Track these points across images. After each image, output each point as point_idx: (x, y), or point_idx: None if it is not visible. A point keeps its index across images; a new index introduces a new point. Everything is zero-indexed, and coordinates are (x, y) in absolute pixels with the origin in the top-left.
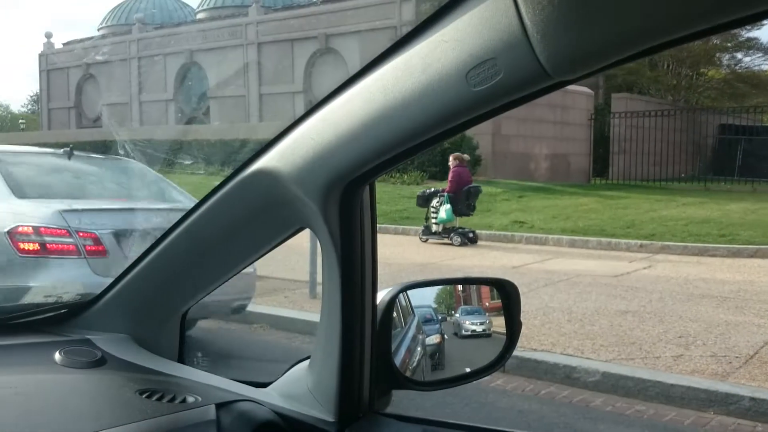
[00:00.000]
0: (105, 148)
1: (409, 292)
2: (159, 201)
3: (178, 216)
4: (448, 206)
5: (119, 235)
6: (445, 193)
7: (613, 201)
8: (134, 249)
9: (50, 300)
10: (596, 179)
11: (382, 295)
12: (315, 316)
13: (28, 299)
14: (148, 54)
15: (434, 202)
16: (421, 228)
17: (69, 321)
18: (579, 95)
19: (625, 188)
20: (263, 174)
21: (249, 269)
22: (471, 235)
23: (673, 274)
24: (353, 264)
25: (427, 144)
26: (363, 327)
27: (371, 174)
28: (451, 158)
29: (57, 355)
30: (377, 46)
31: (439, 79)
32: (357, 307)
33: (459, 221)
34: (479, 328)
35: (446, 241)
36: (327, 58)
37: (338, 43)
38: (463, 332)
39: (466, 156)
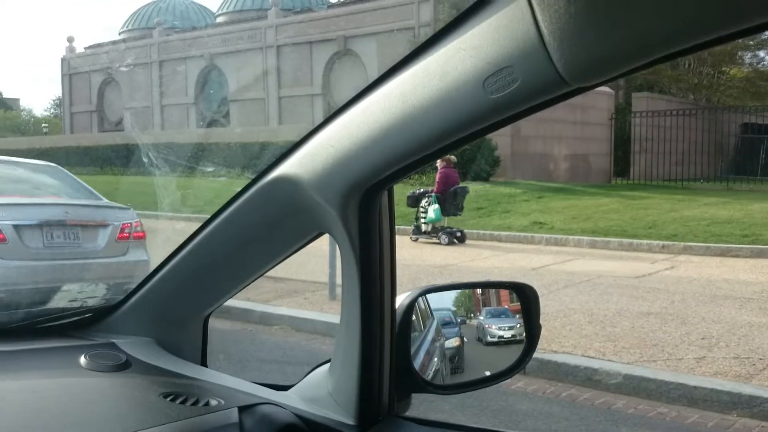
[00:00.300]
0: (128, 151)
1: (427, 295)
2: (64, 197)
3: (72, 210)
4: (437, 206)
5: (18, 226)
6: (433, 194)
7: (634, 201)
8: (33, 238)
9: (75, 304)
10: (617, 179)
11: (401, 299)
12: (334, 318)
13: (54, 303)
14: (169, 58)
15: (423, 203)
16: (411, 227)
17: (94, 325)
18: (599, 95)
19: (646, 188)
20: (283, 180)
21: (144, 256)
22: (459, 234)
23: (696, 275)
24: (372, 268)
25: (445, 150)
26: (383, 331)
27: (390, 180)
28: (438, 159)
29: (82, 359)
30: (395, 47)
31: (457, 86)
32: (376, 311)
33: (448, 221)
34: (507, 334)
35: (434, 240)
36: (345, 60)
37: (356, 45)
38: (489, 338)
39: (452, 157)
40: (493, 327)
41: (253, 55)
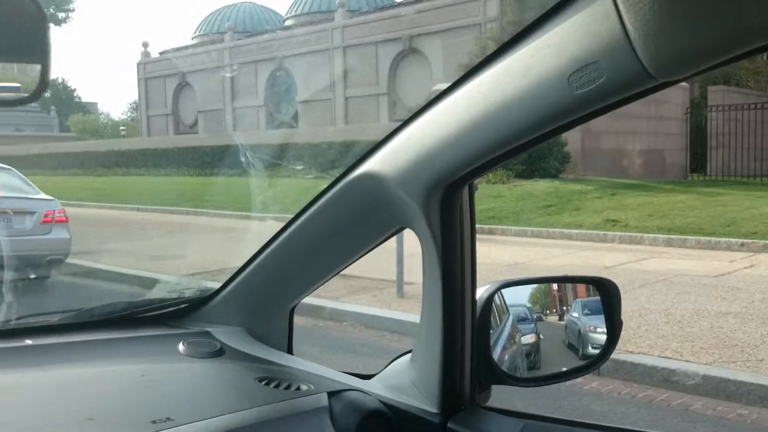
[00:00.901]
0: (202, 153)
1: (502, 291)
2: (6, 191)
3: (5, 201)
4: None
5: None
6: None
7: (711, 198)
8: None
9: (173, 295)
10: (693, 175)
11: (480, 292)
12: (403, 316)
13: (153, 294)
14: (240, 61)
15: None
16: None
17: (189, 315)
18: (674, 89)
19: (724, 184)
20: (367, 177)
21: (65, 235)
22: None
23: None
24: (453, 262)
25: (527, 146)
26: (463, 323)
27: (472, 175)
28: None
29: (181, 346)
30: (461, 44)
31: (540, 82)
32: (458, 304)
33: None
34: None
35: None
36: (410, 58)
37: (422, 43)
38: (591, 348)
39: None
40: (600, 331)
41: (320, 56)
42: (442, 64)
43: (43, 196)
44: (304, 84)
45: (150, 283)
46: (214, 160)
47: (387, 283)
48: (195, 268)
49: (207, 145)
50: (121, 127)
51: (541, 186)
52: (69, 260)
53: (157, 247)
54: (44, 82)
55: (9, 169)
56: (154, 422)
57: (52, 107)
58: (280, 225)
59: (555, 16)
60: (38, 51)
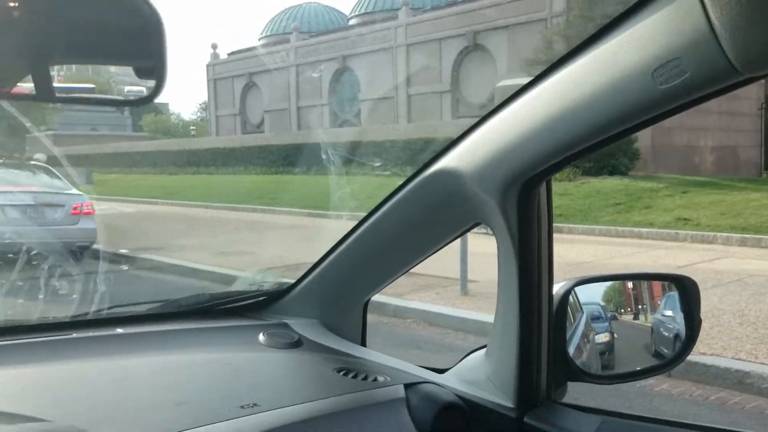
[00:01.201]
0: (268, 152)
1: (576, 288)
2: (42, 186)
3: (39, 196)
4: None
5: (4, 206)
6: None
7: None
8: (15, 213)
9: (252, 288)
10: None
11: (556, 289)
12: (467, 314)
13: (234, 287)
14: (305, 61)
15: None
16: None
17: (267, 307)
18: None
19: None
20: (443, 173)
21: (91, 225)
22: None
23: None
24: (530, 258)
25: (607, 141)
26: (540, 319)
27: (549, 171)
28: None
29: (261, 337)
30: (526, 40)
31: (623, 78)
32: (534, 300)
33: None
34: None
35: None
36: (474, 55)
37: (486, 39)
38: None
39: None
40: None
41: (383, 55)
42: (506, 61)
43: (73, 191)
44: (367, 82)
45: (224, 278)
46: (279, 158)
47: (451, 281)
48: (264, 265)
49: (273, 144)
50: (192, 127)
51: (609, 183)
52: (144, 255)
53: (225, 244)
54: (160, 83)
55: (45, 166)
56: (242, 407)
57: (126, 107)
58: (348, 222)
59: (638, 12)
60: (154, 53)
